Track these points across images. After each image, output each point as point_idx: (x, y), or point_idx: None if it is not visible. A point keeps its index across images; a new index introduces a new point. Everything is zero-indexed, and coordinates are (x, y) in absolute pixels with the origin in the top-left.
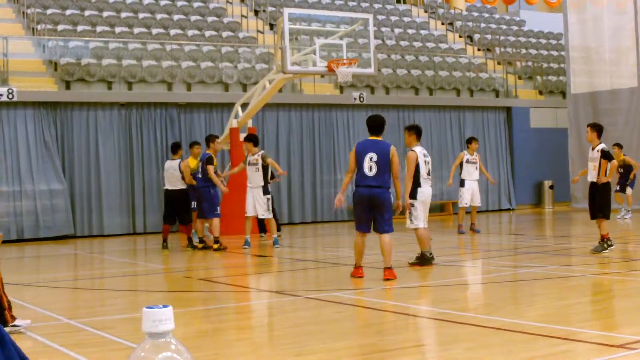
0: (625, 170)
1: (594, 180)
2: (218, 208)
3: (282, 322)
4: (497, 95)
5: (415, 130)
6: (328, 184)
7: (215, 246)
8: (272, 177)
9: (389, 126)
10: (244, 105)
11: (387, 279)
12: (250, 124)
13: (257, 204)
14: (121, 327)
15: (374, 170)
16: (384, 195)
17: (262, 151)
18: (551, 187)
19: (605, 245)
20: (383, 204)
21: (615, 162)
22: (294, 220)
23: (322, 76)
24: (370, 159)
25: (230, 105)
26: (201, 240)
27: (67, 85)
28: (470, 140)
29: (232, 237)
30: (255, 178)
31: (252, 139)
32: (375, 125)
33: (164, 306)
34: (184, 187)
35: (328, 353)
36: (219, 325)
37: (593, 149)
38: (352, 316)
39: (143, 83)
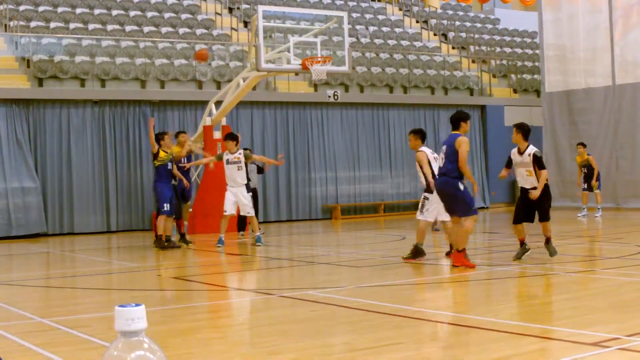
0: (589, 169)
1: (528, 187)
2: (165, 205)
3: (257, 321)
4: (472, 94)
5: (420, 134)
6: (302, 182)
7: (165, 244)
8: (261, 171)
9: (363, 125)
10: (218, 103)
11: (454, 265)
12: (224, 121)
13: (240, 203)
14: (94, 326)
15: (443, 161)
16: (446, 183)
17: (243, 150)
18: None
19: (525, 250)
20: (447, 192)
21: (545, 172)
22: (269, 218)
23: (296, 74)
24: (443, 151)
25: (204, 103)
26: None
27: (40, 83)
28: None
29: (210, 235)
30: (238, 177)
31: (234, 137)
32: (451, 120)
33: (137, 305)
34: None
35: (303, 352)
36: (192, 324)
37: (522, 152)
38: (327, 315)
39: (116, 80)
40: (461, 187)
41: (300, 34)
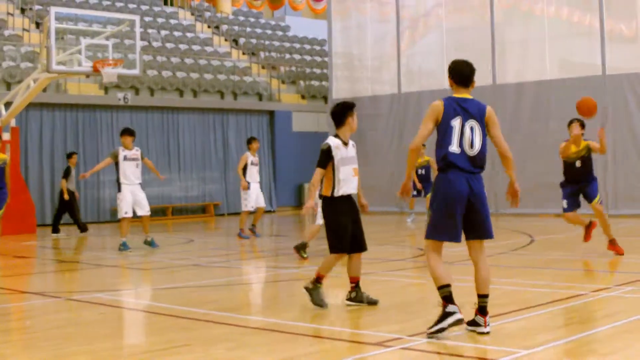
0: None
1: None
2: None
3: (43, 324)
4: (261, 99)
5: None
6: (92, 185)
7: None
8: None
9: (153, 128)
10: (7, 104)
11: None
12: (13, 123)
13: (139, 201)
14: None
15: None
16: None
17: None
18: None
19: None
20: None
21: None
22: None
23: (87, 76)
24: None
25: None
26: None
27: None
28: (250, 141)
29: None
30: (137, 174)
31: (132, 133)
32: None
33: None
34: None
35: (91, 355)
36: None
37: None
38: (116, 318)
39: None
40: None
41: (92, 36)
